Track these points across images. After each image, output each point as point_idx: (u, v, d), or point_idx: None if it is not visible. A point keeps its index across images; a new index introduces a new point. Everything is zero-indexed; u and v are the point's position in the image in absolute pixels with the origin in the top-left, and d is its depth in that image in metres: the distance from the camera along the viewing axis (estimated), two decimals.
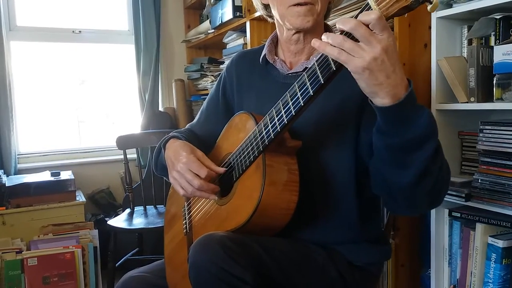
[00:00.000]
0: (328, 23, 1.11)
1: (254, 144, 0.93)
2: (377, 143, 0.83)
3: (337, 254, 1.01)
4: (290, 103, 0.84)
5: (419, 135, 0.76)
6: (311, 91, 0.79)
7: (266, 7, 1.10)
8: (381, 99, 0.73)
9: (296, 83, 0.83)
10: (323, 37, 0.72)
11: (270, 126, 0.89)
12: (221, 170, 0.97)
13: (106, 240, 2.12)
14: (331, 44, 0.71)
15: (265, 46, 1.12)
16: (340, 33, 0.72)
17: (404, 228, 1.60)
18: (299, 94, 0.82)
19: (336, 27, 0.75)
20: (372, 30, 0.69)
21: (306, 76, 0.80)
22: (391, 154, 0.80)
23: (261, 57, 1.11)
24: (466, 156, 1.49)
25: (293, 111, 0.83)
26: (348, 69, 0.72)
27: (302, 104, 0.81)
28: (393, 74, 0.71)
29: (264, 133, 0.90)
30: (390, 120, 0.76)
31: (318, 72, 0.77)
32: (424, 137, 0.76)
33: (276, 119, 0.87)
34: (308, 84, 0.80)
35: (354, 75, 0.72)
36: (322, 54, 0.76)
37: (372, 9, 0.69)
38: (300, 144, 0.95)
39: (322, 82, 0.76)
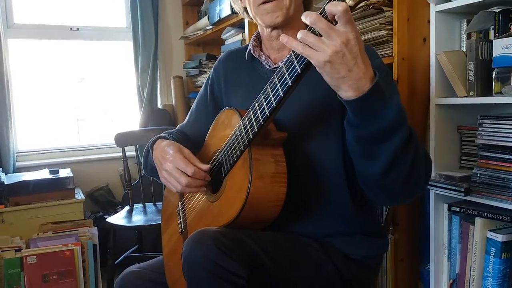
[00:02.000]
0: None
1: (239, 138, 0.93)
2: (347, 135, 0.84)
3: (332, 247, 1.01)
4: (271, 95, 0.84)
5: (385, 127, 0.76)
6: (289, 82, 0.80)
7: (246, 10, 1.10)
8: (345, 92, 0.74)
9: (275, 74, 0.84)
10: (298, 34, 0.74)
11: (253, 119, 0.89)
12: (206, 167, 0.98)
13: (105, 237, 2.11)
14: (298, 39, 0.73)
15: (250, 42, 1.13)
16: (306, 27, 0.73)
17: (404, 223, 1.60)
18: (278, 85, 0.82)
19: None
20: (336, 22, 0.70)
21: (284, 67, 0.81)
22: (360, 145, 0.82)
23: (247, 52, 1.12)
24: (465, 151, 1.49)
25: (274, 103, 0.84)
26: (312, 63, 0.73)
27: (282, 95, 0.82)
28: (355, 67, 0.71)
29: (248, 126, 0.91)
30: (357, 113, 0.77)
31: (295, 62, 0.78)
32: (391, 129, 0.77)
33: (258, 112, 0.88)
34: (286, 74, 0.80)
35: (318, 69, 0.73)
36: None
37: None
38: (286, 135, 0.95)
39: (299, 72, 0.77)
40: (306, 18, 0.71)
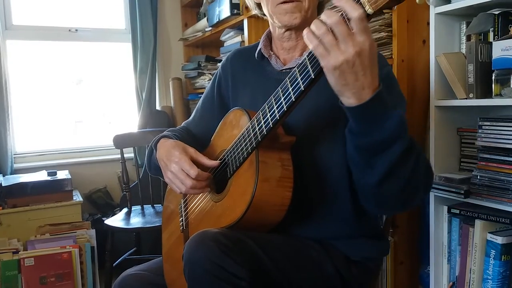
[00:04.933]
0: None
1: (247, 140, 0.93)
2: (348, 143, 0.84)
3: (333, 249, 1.00)
4: (282, 99, 0.84)
5: (385, 137, 0.77)
6: (302, 86, 0.79)
7: (259, 6, 1.10)
8: (347, 99, 0.75)
9: (288, 78, 0.83)
10: (312, 25, 0.73)
11: (263, 121, 0.88)
12: (214, 163, 0.98)
13: (103, 239, 2.10)
14: (314, 33, 0.72)
15: (261, 41, 1.12)
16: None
17: (403, 225, 1.60)
18: (290, 89, 0.81)
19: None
20: (352, 29, 0.69)
21: (297, 71, 0.81)
22: (359, 154, 0.82)
23: (257, 51, 1.11)
24: (465, 153, 1.49)
25: (285, 107, 0.83)
26: (321, 64, 0.73)
27: (294, 100, 0.81)
28: (362, 77, 0.72)
29: (257, 129, 0.90)
30: (357, 120, 0.77)
31: (309, 66, 0.77)
32: (390, 140, 0.77)
33: (268, 114, 0.87)
34: (299, 79, 0.80)
35: (325, 72, 0.73)
36: None
37: (361, 2, 0.69)
38: (294, 139, 0.94)
39: (313, 77, 0.77)
40: (328, 17, 0.70)
